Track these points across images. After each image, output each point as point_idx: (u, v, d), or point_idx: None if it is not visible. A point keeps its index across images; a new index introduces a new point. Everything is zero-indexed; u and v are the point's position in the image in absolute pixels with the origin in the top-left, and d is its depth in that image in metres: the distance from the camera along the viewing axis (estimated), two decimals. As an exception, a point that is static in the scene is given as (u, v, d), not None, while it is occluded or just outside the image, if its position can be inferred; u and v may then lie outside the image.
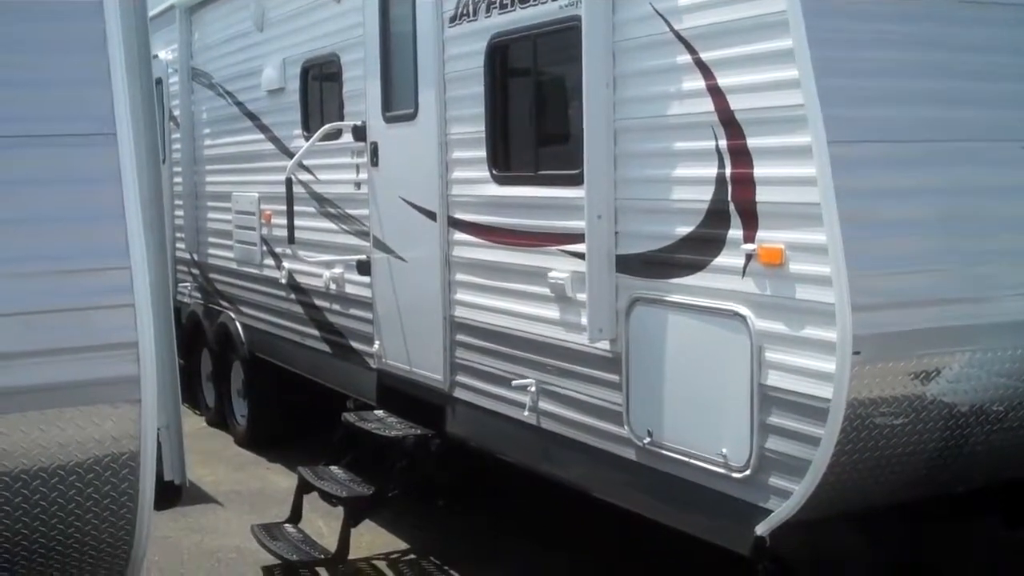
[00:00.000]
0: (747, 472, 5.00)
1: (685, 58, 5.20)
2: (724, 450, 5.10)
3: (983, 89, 5.05)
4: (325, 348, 8.65)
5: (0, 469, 4.17)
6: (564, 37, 5.84)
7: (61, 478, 4.24)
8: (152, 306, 5.06)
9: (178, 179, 11.37)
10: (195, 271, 11.25)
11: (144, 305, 4.24)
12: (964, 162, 4.96)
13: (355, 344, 8.18)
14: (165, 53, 11.57)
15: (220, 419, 10.90)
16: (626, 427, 5.63)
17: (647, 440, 5.50)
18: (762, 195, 4.90)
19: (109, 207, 4.21)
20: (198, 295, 11.21)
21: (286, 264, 9.02)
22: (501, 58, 6.46)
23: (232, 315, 10.33)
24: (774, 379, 4.87)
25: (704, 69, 5.12)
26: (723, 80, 5.03)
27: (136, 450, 4.28)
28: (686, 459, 5.31)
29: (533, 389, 6.27)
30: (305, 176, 8.58)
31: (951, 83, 4.97)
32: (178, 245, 11.52)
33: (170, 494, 5.80)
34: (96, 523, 4.35)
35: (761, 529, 4.94)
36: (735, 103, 4.98)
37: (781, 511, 4.87)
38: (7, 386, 4.13)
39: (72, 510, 4.30)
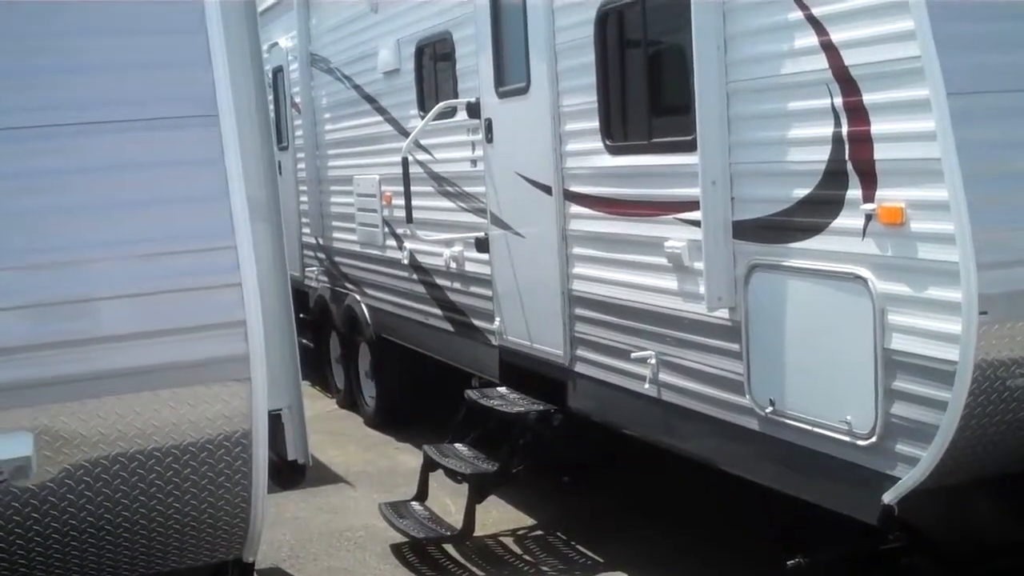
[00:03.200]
0: (872, 439, 4.84)
1: (796, 14, 5.05)
2: (848, 417, 4.94)
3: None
4: (447, 327, 8.66)
5: (117, 450, 4.24)
6: (673, 1, 5.71)
7: (176, 457, 4.29)
8: (268, 287, 5.12)
9: (301, 165, 11.49)
10: (321, 255, 11.36)
11: (251, 284, 4.26)
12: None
13: (476, 322, 8.17)
14: (285, 40, 11.69)
15: (350, 401, 11.01)
16: (748, 396, 5.50)
17: (769, 409, 5.36)
18: (880, 153, 4.73)
19: (213, 188, 4.24)
20: (325, 279, 11.32)
21: (407, 244, 9.05)
22: (611, 26, 6.36)
23: (358, 297, 10.41)
24: (898, 342, 4.71)
25: (816, 25, 4.95)
26: (836, 35, 4.87)
27: (248, 428, 4.32)
28: (810, 427, 5.17)
29: (653, 361, 6.18)
30: (422, 155, 8.59)
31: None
32: (304, 230, 11.67)
33: (294, 474, 5.88)
34: (212, 501, 4.41)
35: (889, 497, 4.78)
36: (849, 58, 4.82)
37: (909, 478, 4.71)
38: (121, 367, 4.21)
39: (188, 489, 4.35)
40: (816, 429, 5.14)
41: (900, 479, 4.75)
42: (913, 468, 4.69)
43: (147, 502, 4.34)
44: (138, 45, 4.32)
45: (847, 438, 4.97)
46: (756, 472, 5.68)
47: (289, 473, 5.87)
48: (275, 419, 5.57)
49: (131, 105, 4.25)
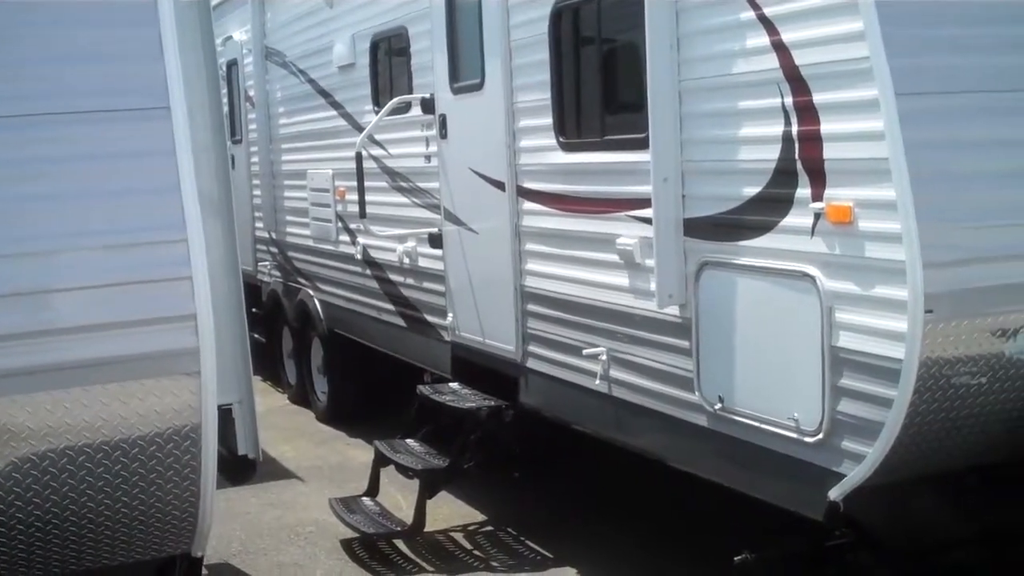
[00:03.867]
0: (819, 436, 4.89)
1: (748, 14, 5.08)
2: (796, 414, 4.99)
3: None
4: (400, 322, 8.66)
5: (65, 443, 4.22)
6: (627, -1, 5.75)
7: (124, 451, 4.27)
8: (219, 280, 5.11)
9: (255, 158, 11.45)
10: (274, 249, 11.32)
11: (202, 278, 4.25)
12: (1039, 112, 4.79)
13: (429, 317, 8.17)
14: (239, 34, 11.64)
15: (302, 396, 10.98)
16: (697, 393, 5.54)
17: (718, 406, 5.41)
18: (829, 152, 4.77)
19: (164, 181, 4.22)
20: (277, 273, 11.28)
21: (360, 240, 9.04)
22: (565, 23, 6.38)
23: (310, 292, 10.39)
24: (845, 340, 4.76)
25: (768, 24, 4.99)
26: (787, 35, 4.91)
27: (197, 422, 4.30)
28: (758, 424, 5.22)
29: (604, 357, 6.21)
30: (376, 151, 8.58)
31: (1021, 29, 4.79)
32: (257, 224, 11.62)
33: (245, 469, 5.87)
34: (160, 496, 4.39)
35: (835, 494, 4.83)
36: (800, 58, 4.86)
37: (855, 475, 4.76)
38: (69, 360, 4.18)
39: (136, 483, 4.34)
40: (764, 426, 5.18)
41: (846, 476, 4.80)
42: (859, 465, 4.73)
43: (95, 496, 4.31)
44: (89, 37, 4.29)
45: (794, 435, 5.02)
46: (705, 468, 5.72)
47: (239, 468, 5.86)
48: (225, 414, 5.56)
49: (81, 97, 4.23)
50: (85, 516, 4.34)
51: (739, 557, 5.27)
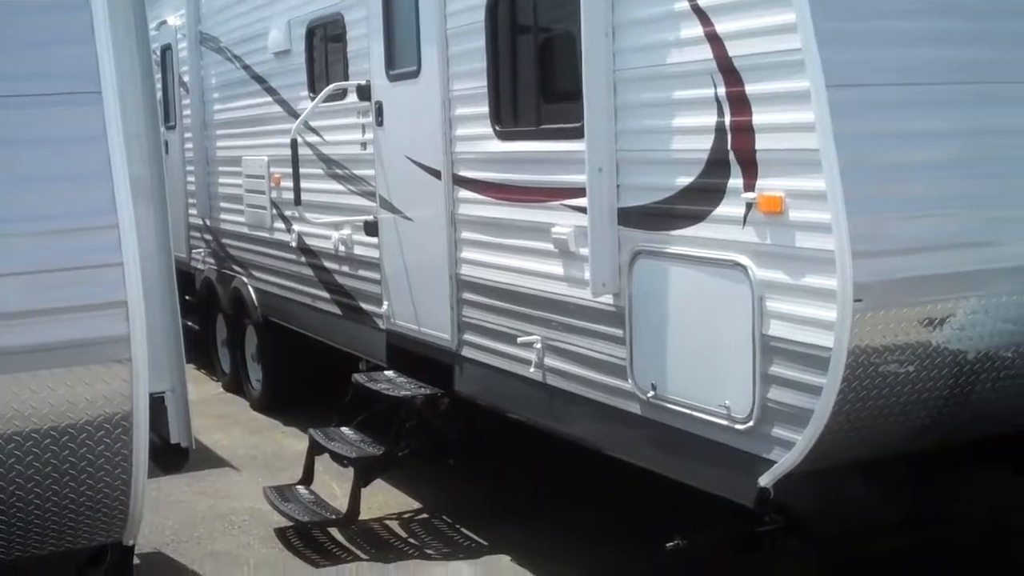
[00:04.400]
0: (750, 423, 4.95)
1: (682, 5, 5.11)
2: (727, 401, 5.04)
3: (987, 28, 4.94)
4: (335, 310, 8.63)
5: (-6, 431, 4.17)
6: (562, -12, 5.76)
7: (54, 439, 4.23)
8: (151, 267, 5.06)
9: (189, 144, 11.35)
10: (208, 236, 11.23)
11: (133, 264, 4.21)
12: (967, 104, 4.86)
13: (364, 305, 8.15)
14: (174, 19, 11.52)
15: (236, 384, 10.92)
16: (630, 381, 5.57)
17: (651, 394, 5.44)
18: (761, 143, 4.82)
19: (95, 166, 4.17)
20: (211, 260, 11.20)
21: (295, 227, 9.00)
22: (501, 12, 6.38)
23: (245, 280, 10.32)
24: (775, 329, 4.81)
25: (701, 15, 5.03)
26: (720, 26, 4.95)
27: (128, 410, 4.27)
28: (690, 412, 5.26)
29: (539, 346, 6.23)
30: (312, 138, 8.54)
31: (953, 23, 4.86)
32: (191, 211, 11.52)
33: (177, 457, 5.83)
34: (91, 484, 4.35)
35: (765, 480, 4.89)
36: (733, 49, 4.90)
37: (784, 462, 4.81)
38: (-1, 347, 4.12)
39: (67, 471, 4.29)
40: (696, 413, 5.23)
41: (776, 462, 4.85)
42: (788, 452, 4.79)
43: (24, 484, 4.26)
44: (18, 20, 4.23)
45: (725, 422, 5.07)
46: (638, 455, 5.76)
47: (172, 456, 5.82)
48: (158, 402, 5.51)
49: (10, 81, 4.17)
50: (14, 504, 4.29)
51: (671, 543, 5.32)
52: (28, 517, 4.36)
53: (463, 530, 7.34)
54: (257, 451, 9.22)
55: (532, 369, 6.26)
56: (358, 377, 7.77)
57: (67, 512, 4.39)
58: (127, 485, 4.39)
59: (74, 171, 4.21)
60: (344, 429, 7.72)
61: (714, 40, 4.97)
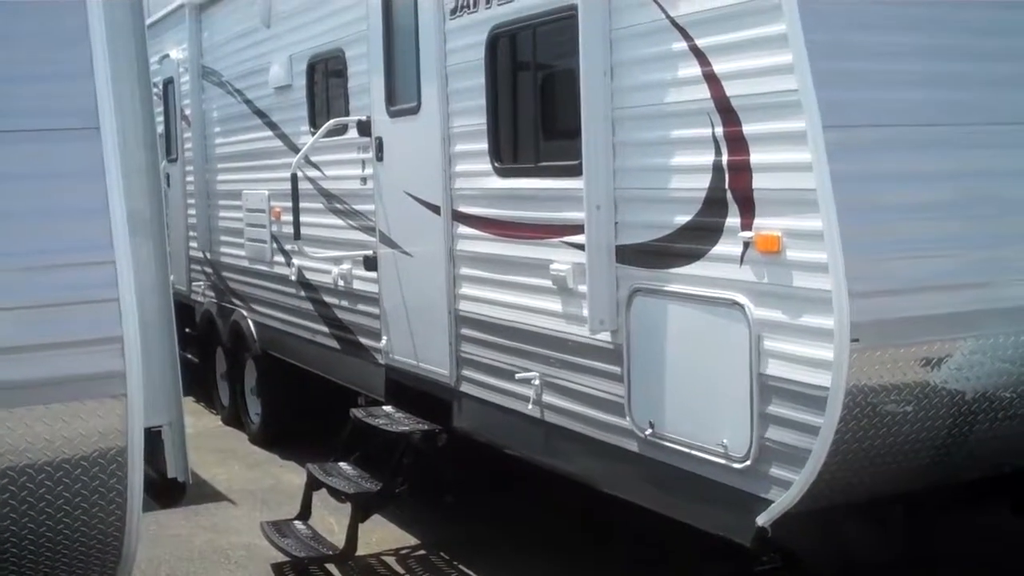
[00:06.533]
0: (748, 462, 4.94)
1: (681, 45, 5.14)
2: (725, 440, 5.03)
3: (983, 71, 4.97)
4: (334, 344, 8.63)
5: (-12, 466, 4.15)
6: (562, 26, 5.79)
7: (48, 474, 4.21)
8: (149, 302, 5.06)
9: (190, 178, 11.38)
10: (208, 270, 11.25)
11: (129, 300, 4.21)
12: (964, 145, 4.89)
13: (363, 340, 8.15)
14: (176, 52, 11.57)
15: (235, 418, 10.89)
16: (628, 419, 5.57)
17: (649, 432, 5.44)
18: (759, 182, 4.83)
19: (93, 202, 4.18)
20: (211, 294, 11.20)
21: (295, 261, 9.01)
22: (501, 49, 6.41)
23: (244, 313, 10.32)
24: (773, 368, 4.81)
25: (700, 56, 5.05)
26: (718, 67, 4.97)
27: (123, 445, 4.25)
28: (687, 450, 5.25)
29: (537, 382, 6.22)
30: (312, 172, 8.56)
31: (950, 65, 4.89)
32: (191, 244, 11.54)
33: (174, 491, 5.81)
34: (86, 519, 4.33)
35: (762, 520, 4.88)
36: (730, 89, 4.92)
37: (782, 501, 4.81)
38: (-6, 382, 4.12)
39: (61, 506, 4.27)
40: (693, 452, 5.22)
41: (773, 502, 4.84)
42: (786, 491, 4.78)
43: (19, 520, 4.24)
44: (18, 55, 4.25)
45: (723, 461, 5.06)
46: (635, 493, 5.74)
47: (169, 491, 5.80)
48: (155, 436, 5.51)
49: (9, 116, 4.18)
50: (8, 540, 4.27)
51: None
52: (22, 553, 4.34)
53: (460, 567, 7.30)
54: (255, 485, 9.19)
55: (530, 406, 6.25)
56: (356, 412, 7.76)
57: (61, 548, 4.37)
58: (121, 522, 4.37)
59: (72, 207, 4.21)
60: (342, 464, 7.70)
61: (712, 80, 4.99)
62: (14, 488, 4.21)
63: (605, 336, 5.68)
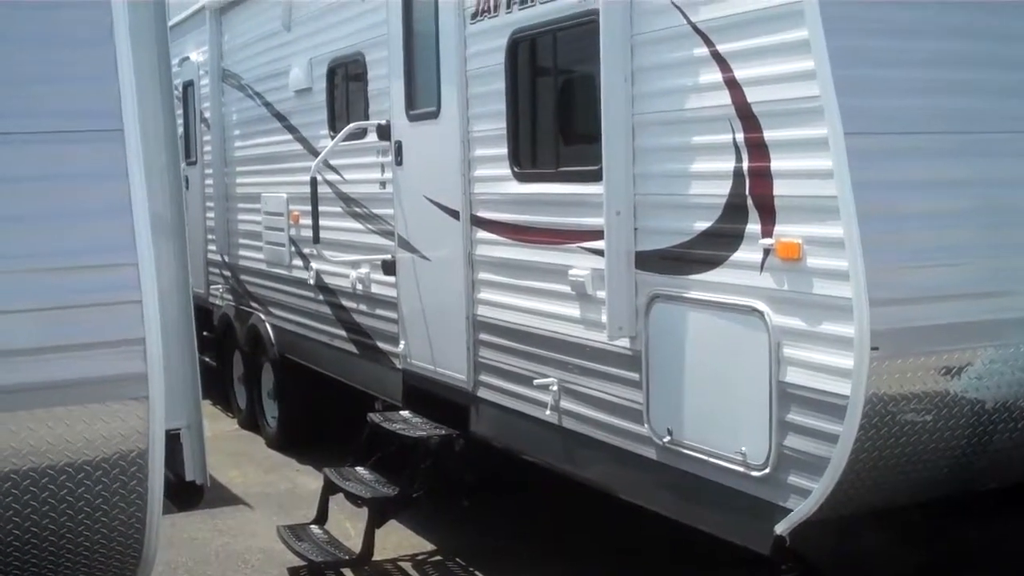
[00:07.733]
0: (766, 470, 4.93)
1: (702, 51, 5.14)
2: (743, 448, 5.02)
3: (1006, 79, 4.96)
4: (352, 349, 8.64)
5: (9, 467, 4.16)
6: (583, 31, 5.79)
7: (69, 476, 4.22)
8: (170, 304, 5.06)
9: (209, 180, 11.41)
10: (226, 273, 11.27)
11: (151, 302, 4.21)
12: (985, 153, 4.87)
13: (381, 344, 8.16)
14: (196, 55, 11.61)
15: (252, 421, 10.91)
16: (646, 425, 5.56)
17: (667, 439, 5.43)
18: (779, 189, 4.82)
19: (115, 203, 4.19)
20: (229, 297, 11.23)
21: (314, 265, 9.02)
22: (521, 54, 6.42)
23: (262, 316, 10.34)
24: (792, 376, 4.80)
25: (721, 61, 5.05)
26: (740, 72, 4.96)
27: (144, 448, 4.26)
28: (706, 457, 5.24)
29: (555, 388, 6.22)
30: (331, 176, 8.57)
31: (972, 73, 4.87)
32: (210, 247, 11.56)
33: (192, 494, 5.80)
34: (106, 521, 4.33)
35: (781, 528, 4.86)
36: (752, 95, 4.91)
37: (801, 510, 4.79)
38: (15, 383, 4.12)
39: (81, 508, 4.28)
40: (712, 459, 5.21)
41: (792, 510, 4.83)
42: (805, 500, 4.77)
43: (39, 521, 4.25)
44: (42, 57, 4.26)
45: (742, 469, 5.05)
46: (653, 501, 5.73)
47: (187, 493, 5.79)
48: (173, 438, 5.50)
49: (34, 117, 4.19)
50: (28, 541, 4.28)
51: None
52: (42, 555, 4.35)
53: (477, 573, 7.30)
54: (272, 489, 9.20)
55: (548, 412, 6.25)
56: (373, 416, 7.77)
57: (82, 549, 4.38)
58: (142, 523, 4.37)
59: (95, 208, 4.22)
60: (359, 469, 7.71)
61: (733, 86, 4.99)
62: (35, 490, 4.21)
63: (624, 342, 5.68)
